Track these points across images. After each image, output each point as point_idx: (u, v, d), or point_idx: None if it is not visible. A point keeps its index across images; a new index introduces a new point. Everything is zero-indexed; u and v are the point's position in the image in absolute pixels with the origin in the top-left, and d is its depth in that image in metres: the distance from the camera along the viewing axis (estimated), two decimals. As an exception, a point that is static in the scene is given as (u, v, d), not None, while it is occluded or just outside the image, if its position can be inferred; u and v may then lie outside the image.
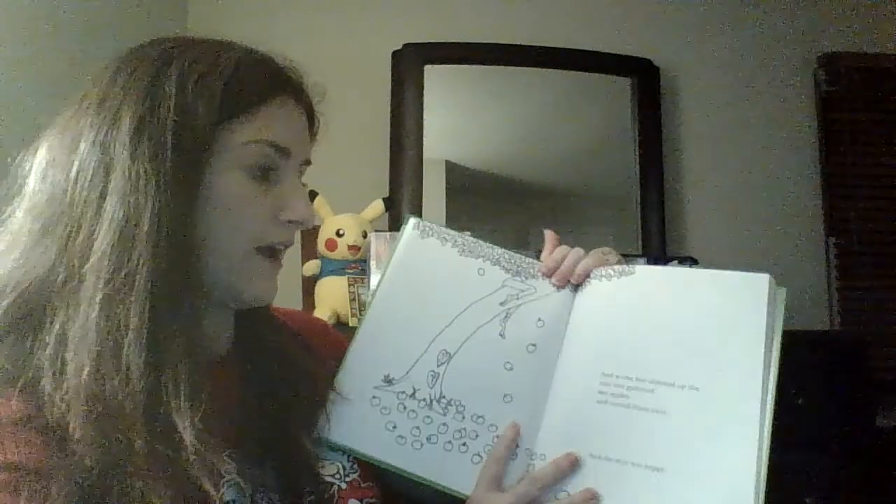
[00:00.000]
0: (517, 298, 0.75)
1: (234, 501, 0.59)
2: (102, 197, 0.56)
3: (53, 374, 0.53)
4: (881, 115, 2.05)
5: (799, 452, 1.46)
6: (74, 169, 0.57)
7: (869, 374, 1.58)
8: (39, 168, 0.60)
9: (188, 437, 0.52)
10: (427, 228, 0.78)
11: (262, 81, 0.62)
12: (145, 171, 0.56)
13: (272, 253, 0.64)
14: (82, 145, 0.57)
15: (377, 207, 1.55)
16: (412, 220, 0.79)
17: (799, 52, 2.06)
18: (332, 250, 1.46)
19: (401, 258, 0.77)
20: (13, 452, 0.51)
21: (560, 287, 0.75)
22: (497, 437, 0.70)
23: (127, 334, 0.53)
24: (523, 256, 0.77)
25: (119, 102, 0.58)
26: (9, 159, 0.62)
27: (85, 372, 0.52)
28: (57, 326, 0.54)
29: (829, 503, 1.48)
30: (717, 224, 1.99)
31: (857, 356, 1.59)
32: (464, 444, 0.70)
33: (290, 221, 0.64)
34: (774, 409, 0.65)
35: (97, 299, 0.53)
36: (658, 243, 1.87)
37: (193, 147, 0.58)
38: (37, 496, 0.49)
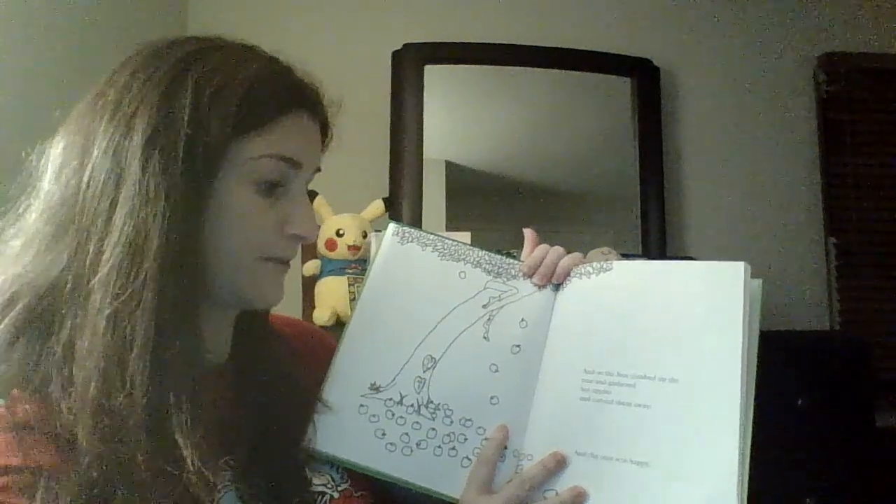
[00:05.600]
0: (499, 300, 0.75)
1: None
2: (112, 208, 0.55)
3: (62, 383, 0.53)
4: (881, 115, 2.05)
5: (799, 452, 1.47)
6: (86, 175, 0.57)
7: (869, 374, 1.58)
8: (54, 167, 0.59)
9: (188, 454, 0.52)
10: (407, 234, 0.78)
11: (278, 96, 0.61)
12: (156, 185, 0.55)
13: (277, 261, 0.65)
14: (95, 151, 0.57)
15: (377, 207, 1.55)
16: (392, 227, 0.79)
17: (799, 52, 2.06)
18: (332, 250, 1.46)
19: (381, 266, 0.77)
20: (27, 456, 0.52)
21: (541, 287, 0.76)
22: (485, 439, 0.70)
23: (132, 350, 0.53)
24: (504, 257, 0.77)
25: (134, 109, 0.57)
26: (23, 154, 0.62)
27: (92, 386, 0.52)
28: (65, 334, 0.54)
29: (829, 503, 1.48)
30: (717, 224, 1.99)
31: (857, 356, 1.59)
32: (453, 448, 0.70)
33: (293, 235, 0.64)
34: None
35: (105, 314, 0.53)
36: (658, 243, 1.87)
37: (205, 161, 0.57)
38: (49, 499, 0.50)
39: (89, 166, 0.57)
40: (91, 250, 0.55)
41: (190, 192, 0.57)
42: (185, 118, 0.56)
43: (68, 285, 0.55)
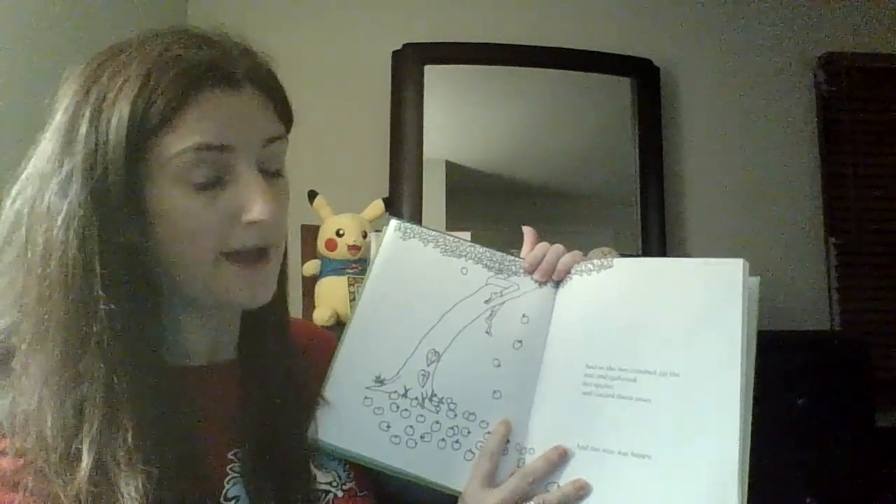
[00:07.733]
0: (501, 296, 0.76)
1: (237, 498, 0.60)
2: (50, 244, 0.54)
3: (25, 421, 0.53)
4: (881, 115, 2.05)
5: (799, 452, 1.47)
6: (27, 215, 0.56)
7: (869, 374, 1.58)
8: (12, 210, 0.59)
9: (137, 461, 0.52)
10: (409, 230, 0.78)
11: (175, 86, 0.55)
12: (81, 210, 0.54)
13: (243, 257, 0.60)
14: (29, 190, 0.57)
15: (377, 207, 1.55)
16: (393, 223, 0.79)
17: (799, 52, 2.06)
18: (332, 250, 1.46)
19: (384, 260, 0.77)
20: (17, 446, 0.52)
21: (542, 283, 0.76)
22: (488, 433, 0.71)
23: (84, 386, 0.53)
24: (504, 254, 0.78)
25: (50, 143, 0.57)
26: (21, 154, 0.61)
27: (48, 424, 0.52)
28: (32, 371, 0.54)
29: (829, 503, 1.48)
30: (717, 224, 1.99)
31: (857, 356, 1.59)
32: (456, 442, 0.71)
33: (249, 223, 0.58)
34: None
35: (56, 353, 0.53)
36: (658, 243, 1.87)
37: (122, 174, 0.55)
38: (39, 494, 0.50)
39: (28, 204, 0.56)
40: (38, 290, 0.54)
41: (119, 209, 0.55)
42: (91, 138, 0.55)
43: (28, 325, 0.55)
